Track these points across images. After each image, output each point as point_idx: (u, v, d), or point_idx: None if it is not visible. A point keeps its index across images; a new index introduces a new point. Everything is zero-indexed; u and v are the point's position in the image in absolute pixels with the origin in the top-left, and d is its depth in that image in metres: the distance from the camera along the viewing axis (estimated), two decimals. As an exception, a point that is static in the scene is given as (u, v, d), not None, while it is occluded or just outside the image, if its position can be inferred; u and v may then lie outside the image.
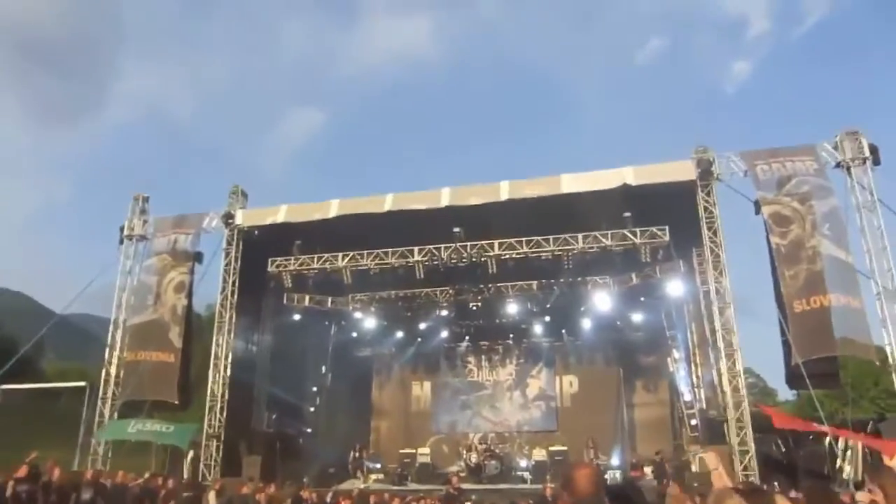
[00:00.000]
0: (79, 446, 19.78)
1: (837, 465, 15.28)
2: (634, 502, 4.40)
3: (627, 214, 17.79)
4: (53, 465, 14.10)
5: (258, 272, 20.80)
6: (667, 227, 17.64)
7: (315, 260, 20.23)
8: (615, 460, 21.20)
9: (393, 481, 20.81)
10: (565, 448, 21.22)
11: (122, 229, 22.04)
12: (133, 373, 20.23)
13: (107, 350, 21.28)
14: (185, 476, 18.53)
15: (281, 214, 20.39)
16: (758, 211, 16.64)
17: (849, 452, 15.14)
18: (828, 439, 15.43)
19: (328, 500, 15.33)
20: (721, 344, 16.78)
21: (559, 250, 18.62)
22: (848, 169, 16.43)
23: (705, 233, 17.23)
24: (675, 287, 19.64)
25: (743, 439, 15.89)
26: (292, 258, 20.37)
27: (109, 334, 21.45)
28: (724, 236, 17.17)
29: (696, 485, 13.29)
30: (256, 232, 20.85)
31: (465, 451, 22.67)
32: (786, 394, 37.70)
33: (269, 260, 20.56)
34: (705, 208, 17.35)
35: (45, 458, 14.25)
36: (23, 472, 12.64)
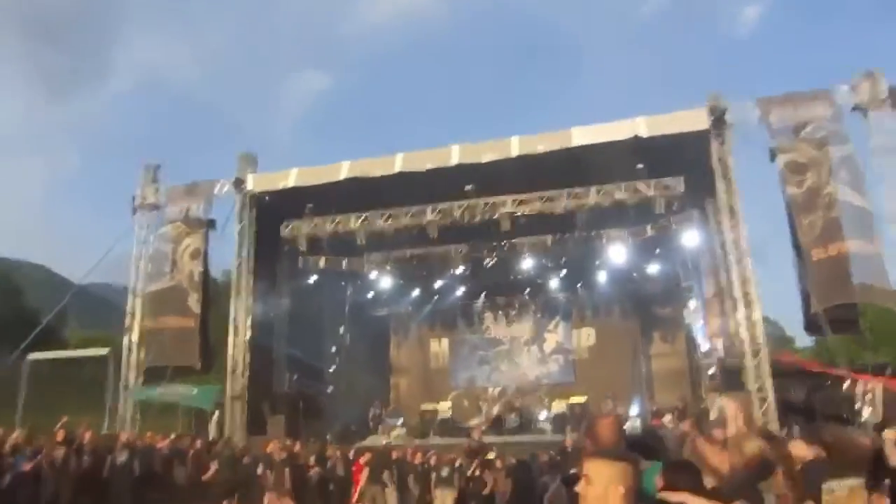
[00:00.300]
0: (107, 411, 20.38)
1: (857, 408, 15.47)
2: (654, 450, 4.43)
3: (640, 166, 17.79)
4: (86, 430, 14.68)
5: (272, 236, 21.15)
6: (681, 178, 17.69)
7: (328, 222, 20.49)
8: (634, 410, 21.50)
9: (415, 436, 21.28)
10: (584, 400, 21.59)
11: (134, 199, 22.33)
12: (154, 339, 20.81)
13: (127, 318, 21.80)
14: (212, 436, 19.11)
15: (291, 178, 20.54)
16: (773, 159, 16.64)
17: (868, 396, 15.31)
18: (846, 383, 15.65)
19: (351, 456, 15.71)
20: (738, 293, 16.97)
21: (572, 204, 18.76)
22: (865, 112, 16.31)
23: (719, 182, 17.28)
24: (690, 238, 19.78)
25: (761, 386, 16.23)
26: (305, 221, 20.65)
27: (128, 302, 21.94)
28: (739, 185, 17.22)
29: (713, 432, 13.52)
30: (268, 197, 21.09)
31: (484, 405, 23.21)
32: (804, 340, 37.93)
33: (283, 223, 20.86)
34: (719, 157, 17.35)
35: (77, 424, 14.79)
36: (59, 436, 13.12)
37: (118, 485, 14.14)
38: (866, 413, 15.18)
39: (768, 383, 16.19)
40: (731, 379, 18.03)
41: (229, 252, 21.58)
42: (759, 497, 3.61)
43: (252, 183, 21.13)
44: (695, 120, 17.44)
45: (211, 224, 21.79)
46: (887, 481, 6.39)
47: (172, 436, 16.99)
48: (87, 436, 14.51)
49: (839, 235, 15.40)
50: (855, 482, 5.61)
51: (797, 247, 16.11)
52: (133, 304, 21.73)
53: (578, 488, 2.64)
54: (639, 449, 4.19)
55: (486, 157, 18.55)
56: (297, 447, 16.05)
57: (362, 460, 14.82)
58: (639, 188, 18.01)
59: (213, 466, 14.18)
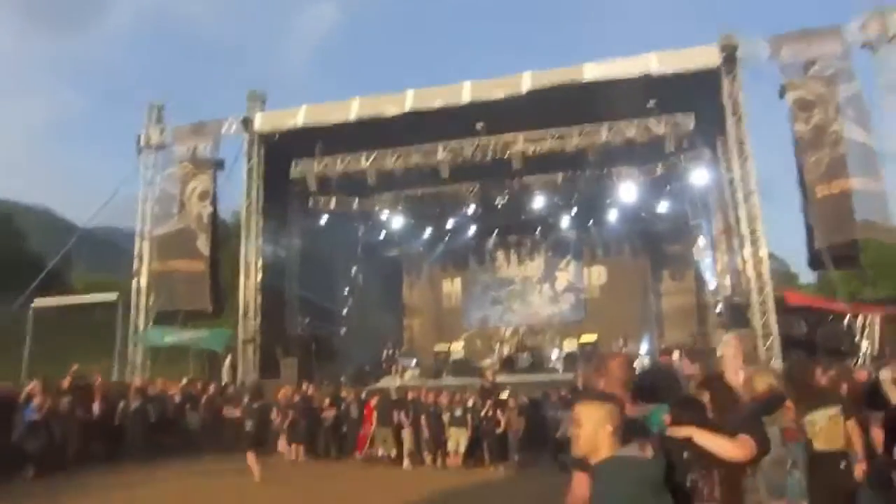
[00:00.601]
0: (116, 357, 21.26)
1: (856, 341, 16.92)
2: (663, 390, 4.53)
3: (651, 104, 18.56)
4: (98, 377, 15.82)
5: (282, 176, 21.81)
6: (692, 116, 18.46)
7: (338, 161, 21.12)
8: (643, 348, 22.67)
9: (428, 376, 21.92)
10: (595, 338, 22.56)
11: (139, 139, 22.98)
12: (164, 283, 21.74)
13: (135, 261, 22.64)
14: (224, 380, 20.15)
15: (300, 117, 21.12)
16: (782, 96, 17.50)
17: (867, 329, 16.79)
18: (847, 317, 17.16)
19: (363, 396, 16.43)
20: (745, 231, 18.07)
21: (583, 142, 19.54)
22: (874, 49, 17.07)
23: (730, 120, 18.14)
24: (699, 176, 20.66)
25: (766, 322, 17.47)
26: (315, 160, 21.23)
27: (136, 245, 22.72)
28: (749, 123, 18.11)
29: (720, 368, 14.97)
30: (277, 136, 21.65)
31: (497, 345, 24.18)
32: (808, 276, 39.05)
33: (292, 163, 21.50)
34: (730, 94, 18.16)
35: (87, 371, 15.88)
36: (67, 383, 14.11)
37: (131, 431, 15.12)
38: (865, 346, 16.68)
39: (773, 319, 17.43)
40: (737, 315, 19.43)
41: (238, 193, 22.39)
42: (763, 430, 3.73)
43: (260, 122, 21.77)
44: (706, 56, 18.26)
45: (219, 164, 22.51)
46: (881, 414, 7.07)
47: (184, 380, 18.07)
48: (99, 382, 15.51)
49: (844, 173, 16.42)
50: (833, 410, 5.68)
51: (802, 184, 17.15)
52: (141, 247, 22.52)
53: (570, 431, 2.99)
54: (647, 391, 4.47)
55: (497, 94, 19.30)
56: (311, 390, 16.93)
57: (373, 402, 15.52)
58: (649, 126, 18.82)
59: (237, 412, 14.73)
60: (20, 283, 23.89)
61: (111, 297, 23.02)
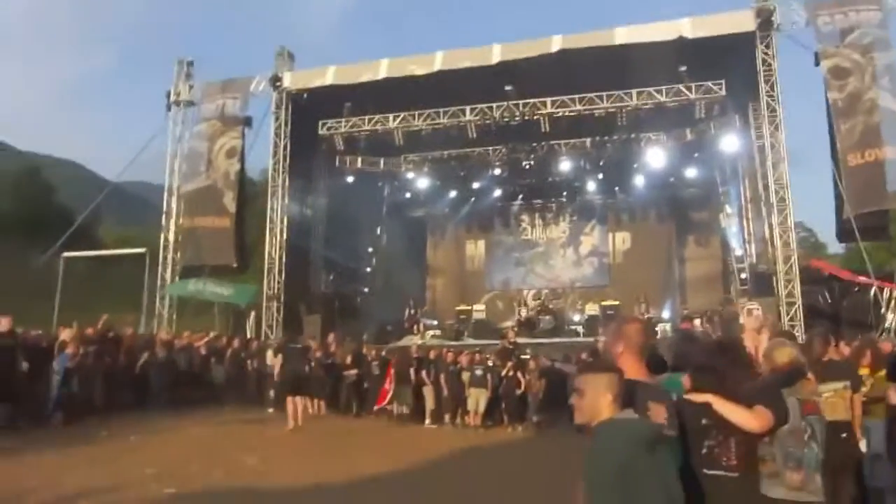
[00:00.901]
0: (144, 310, 21.70)
1: (882, 313, 16.86)
2: (681, 358, 4.52)
3: (683, 68, 18.41)
4: (127, 327, 16.27)
5: (309, 135, 21.93)
6: (723, 82, 18.31)
7: (366, 121, 21.27)
8: (666, 313, 22.77)
9: (449, 337, 22.23)
10: (617, 303, 22.64)
11: (168, 95, 23.12)
12: (190, 238, 22.03)
13: (163, 217, 22.95)
14: (249, 336, 20.38)
15: (329, 76, 21.14)
16: (817, 63, 17.16)
17: (893, 302, 16.67)
18: (873, 289, 17.02)
19: (384, 354, 16.65)
20: (773, 199, 17.97)
21: (613, 107, 19.48)
22: None
23: (762, 86, 17.87)
24: (729, 142, 20.43)
25: (790, 291, 17.42)
26: (343, 120, 21.39)
27: (164, 201, 22.98)
28: (782, 90, 17.89)
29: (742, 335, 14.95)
30: (305, 95, 21.72)
31: (519, 307, 24.26)
32: (835, 247, 38.53)
33: (320, 122, 21.62)
34: (763, 61, 17.89)
35: (117, 322, 16.18)
36: (96, 332, 14.36)
37: (157, 382, 15.44)
38: (890, 319, 16.61)
39: (797, 289, 17.39)
40: (762, 284, 19.44)
41: (266, 151, 22.45)
42: (782, 402, 3.72)
43: (289, 80, 21.79)
44: (741, 22, 18.00)
45: (247, 122, 22.51)
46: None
47: (211, 334, 18.32)
48: (129, 333, 15.99)
49: (877, 141, 16.14)
50: (839, 384, 5.77)
51: (834, 152, 16.88)
52: (169, 202, 22.81)
53: (573, 400, 3.04)
54: (660, 362, 4.61)
55: (527, 54, 19.15)
56: (334, 346, 17.03)
57: (393, 360, 15.63)
58: (681, 91, 18.68)
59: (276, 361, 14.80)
60: (51, 235, 24.33)
61: (139, 251, 23.41)
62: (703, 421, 3.48)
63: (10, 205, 39.55)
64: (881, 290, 16.79)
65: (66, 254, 22.72)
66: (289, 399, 12.90)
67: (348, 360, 16.33)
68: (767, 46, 17.99)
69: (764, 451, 3.62)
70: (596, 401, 2.92)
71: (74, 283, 23.57)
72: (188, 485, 8.41)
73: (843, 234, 17.67)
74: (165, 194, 23.18)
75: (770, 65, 17.99)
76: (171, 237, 22.71)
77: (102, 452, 10.25)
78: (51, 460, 9.54)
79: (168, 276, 22.25)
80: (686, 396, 3.60)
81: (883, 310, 16.60)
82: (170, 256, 22.47)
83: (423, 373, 15.12)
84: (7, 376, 11.85)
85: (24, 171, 44.05)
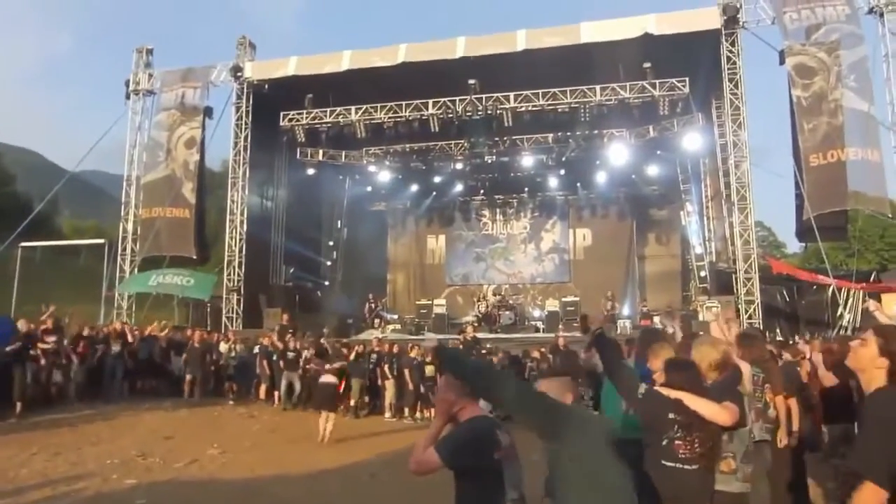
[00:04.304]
0: (102, 301, 20.89)
1: (838, 314, 16.43)
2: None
3: (647, 65, 17.85)
4: (77, 319, 15.46)
5: (270, 127, 21.18)
6: (687, 79, 17.76)
7: (328, 114, 20.51)
8: (626, 310, 22.23)
9: (409, 331, 21.72)
10: (577, 299, 22.15)
11: (127, 83, 22.28)
12: (150, 229, 21.19)
13: (122, 207, 22.22)
14: (209, 328, 19.73)
15: (291, 66, 20.55)
16: (782, 61, 16.70)
17: (850, 301, 16.25)
18: (830, 289, 16.56)
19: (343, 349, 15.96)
20: (735, 197, 17.51)
21: (576, 102, 18.82)
22: (881, 15, 16.29)
23: (726, 84, 17.44)
24: (692, 140, 19.83)
25: (749, 290, 17.02)
26: (304, 112, 20.61)
27: (123, 191, 22.27)
28: (745, 89, 17.43)
29: (700, 333, 14.40)
30: (266, 86, 21.07)
31: (479, 302, 23.58)
32: (794, 246, 38.81)
33: (281, 114, 20.83)
34: (728, 58, 17.44)
35: (70, 312, 15.57)
36: (48, 324, 13.56)
37: (115, 374, 15.01)
38: (847, 318, 16.21)
39: (756, 287, 16.99)
40: (721, 282, 18.94)
41: (227, 142, 21.71)
42: (741, 401, 3.84)
43: (250, 70, 21.08)
44: (707, 18, 17.49)
45: (207, 112, 21.77)
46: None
47: (171, 326, 18.00)
48: (80, 325, 15.17)
49: (840, 142, 15.69)
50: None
51: (797, 152, 16.39)
52: (128, 192, 22.04)
53: None
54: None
55: (491, 50, 18.57)
56: (293, 340, 16.39)
57: (351, 355, 15.01)
58: (645, 87, 18.05)
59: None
60: (8, 225, 23.51)
61: (99, 241, 23.15)
62: (670, 415, 3.53)
63: (-32, 193, 38.12)
64: (839, 289, 16.38)
65: (23, 243, 22.12)
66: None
67: (309, 353, 15.61)
68: (732, 44, 17.54)
69: (724, 448, 3.76)
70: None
71: (33, 273, 23.08)
72: (149, 476, 8.31)
73: (803, 233, 17.16)
74: (124, 184, 22.42)
75: (735, 63, 17.54)
76: (130, 228, 21.97)
77: (62, 443, 10.01)
78: (10, 451, 9.28)
79: (127, 267, 21.59)
80: (657, 389, 3.70)
81: (840, 310, 16.20)
82: (129, 247, 21.77)
83: (385, 366, 14.79)
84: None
85: (-19, 160, 41.97)
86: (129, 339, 15.76)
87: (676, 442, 3.49)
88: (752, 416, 4.80)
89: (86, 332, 15.00)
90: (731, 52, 17.46)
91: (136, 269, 21.46)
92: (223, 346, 16.71)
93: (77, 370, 14.23)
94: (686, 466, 3.48)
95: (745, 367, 4.83)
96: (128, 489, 7.67)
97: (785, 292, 18.21)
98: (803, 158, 16.15)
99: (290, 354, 15.46)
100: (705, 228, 21.36)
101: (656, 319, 18.84)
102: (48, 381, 13.45)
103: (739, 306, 16.82)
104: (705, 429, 3.50)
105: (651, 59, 17.81)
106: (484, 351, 15.76)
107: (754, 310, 16.94)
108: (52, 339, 13.40)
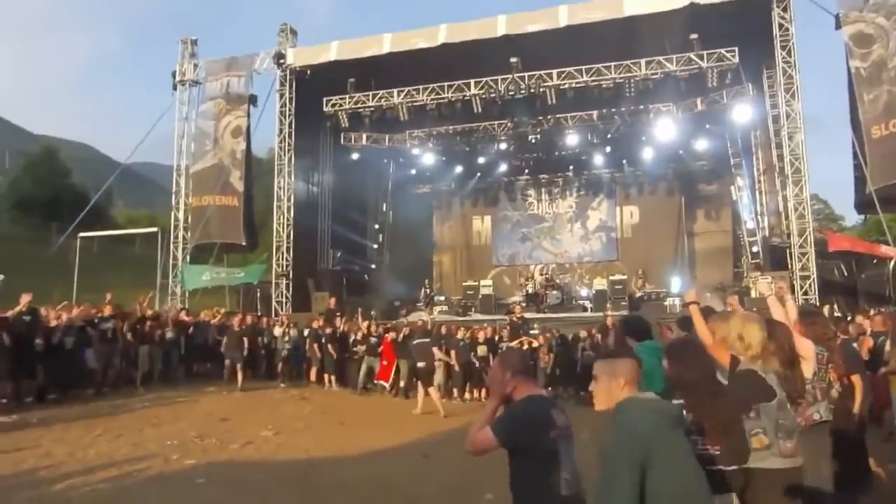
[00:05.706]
0: (157, 288, 21.03)
1: (902, 287, 15.64)
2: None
3: (694, 36, 17.08)
4: (142, 305, 15.66)
5: (314, 112, 21.10)
6: (736, 49, 16.98)
7: (370, 97, 20.33)
8: (675, 288, 21.42)
9: (457, 312, 21.63)
10: (625, 277, 21.83)
11: (173, 75, 22.44)
12: (200, 217, 21.49)
13: (172, 196, 22.54)
14: (259, 312, 19.86)
15: (332, 52, 20.40)
16: (838, 26, 15.83)
17: (913, 274, 15.44)
18: (893, 262, 15.72)
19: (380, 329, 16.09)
20: (789, 170, 16.79)
21: (621, 78, 18.24)
22: None
23: (778, 52, 16.68)
24: (742, 112, 18.96)
25: (805, 265, 16.38)
26: (347, 97, 20.46)
27: (173, 181, 22.58)
28: (798, 56, 16.64)
29: (754, 309, 13.82)
30: (309, 72, 20.97)
31: (525, 282, 23.39)
32: (852, 219, 37.12)
33: (324, 99, 20.71)
34: (780, 25, 16.67)
35: (141, 300, 15.93)
36: (107, 310, 13.93)
37: (172, 358, 15.43)
38: (909, 291, 15.41)
39: (812, 262, 16.33)
40: (775, 257, 18.21)
41: (271, 130, 21.78)
42: (763, 380, 3.73)
43: (292, 57, 21.02)
44: (757, -16, 16.59)
45: (252, 100, 21.81)
46: None
47: (223, 312, 18.28)
48: (144, 311, 15.49)
49: None
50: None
51: (856, 123, 15.58)
52: (178, 182, 22.36)
53: (591, 387, 2.99)
54: (642, 328, 4.61)
55: (533, 28, 18.11)
56: (342, 322, 16.62)
57: (397, 337, 14.97)
58: (692, 59, 17.34)
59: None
60: (66, 217, 24.80)
61: (152, 230, 23.06)
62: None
63: (29, 187, 39.34)
64: (901, 262, 15.54)
65: (81, 234, 22.44)
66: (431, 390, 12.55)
67: (358, 335, 15.80)
68: (784, 10, 16.72)
69: (752, 425, 3.56)
70: (609, 386, 2.87)
71: (91, 262, 23.31)
72: (207, 456, 8.52)
73: (863, 206, 16.32)
74: (174, 174, 22.71)
75: (787, 29, 16.72)
76: (181, 216, 22.30)
77: (124, 426, 10.31)
78: (76, 433, 9.58)
79: (179, 254, 21.94)
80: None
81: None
82: (181, 235, 22.11)
83: (435, 349, 14.30)
84: (27, 352, 11.75)
85: (41, 154, 43.23)
86: (185, 324, 16.13)
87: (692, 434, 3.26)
88: (818, 394, 4.71)
89: (147, 317, 15.30)
90: (783, 17, 16.65)
91: (188, 257, 21.81)
92: (277, 330, 16.75)
93: (139, 355, 14.58)
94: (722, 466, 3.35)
95: (808, 345, 4.58)
96: (188, 469, 7.88)
97: (843, 266, 17.40)
98: (864, 130, 15.34)
99: (374, 340, 15.35)
100: (757, 203, 20.49)
101: (706, 297, 18.23)
102: (107, 366, 13.72)
103: (794, 282, 16.14)
104: (716, 416, 3.41)
105: (698, 30, 17.02)
106: (533, 331, 15.48)
107: (810, 285, 16.28)
108: (107, 325, 13.64)
